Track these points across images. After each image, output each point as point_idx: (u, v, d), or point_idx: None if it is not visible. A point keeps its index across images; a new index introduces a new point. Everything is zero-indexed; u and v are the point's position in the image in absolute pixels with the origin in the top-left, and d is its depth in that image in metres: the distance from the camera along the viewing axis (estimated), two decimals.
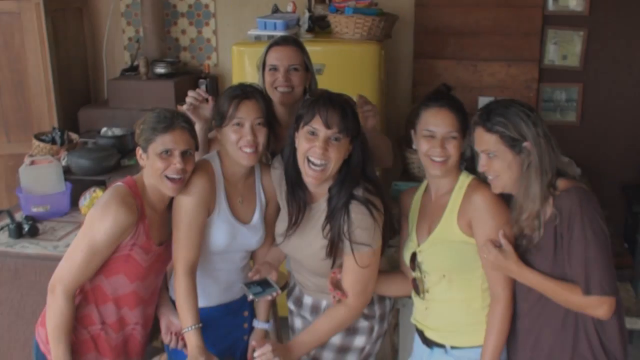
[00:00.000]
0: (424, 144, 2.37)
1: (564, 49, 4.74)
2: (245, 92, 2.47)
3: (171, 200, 2.47)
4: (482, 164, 2.27)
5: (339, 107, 2.32)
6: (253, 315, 2.73)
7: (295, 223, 2.44)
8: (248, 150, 2.44)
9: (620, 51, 4.70)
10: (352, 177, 2.37)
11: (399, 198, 2.66)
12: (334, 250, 2.37)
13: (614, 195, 4.73)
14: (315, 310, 2.59)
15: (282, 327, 3.27)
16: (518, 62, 4.78)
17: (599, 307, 2.12)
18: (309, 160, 2.33)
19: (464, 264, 2.37)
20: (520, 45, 4.75)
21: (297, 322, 2.71)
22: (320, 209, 2.43)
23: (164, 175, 2.34)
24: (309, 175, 2.35)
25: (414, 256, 2.47)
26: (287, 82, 2.82)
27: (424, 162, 2.40)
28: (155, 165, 2.35)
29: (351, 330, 2.54)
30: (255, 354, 2.30)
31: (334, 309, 2.42)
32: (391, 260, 2.75)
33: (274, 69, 2.85)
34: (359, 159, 2.39)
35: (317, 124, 2.31)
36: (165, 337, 2.58)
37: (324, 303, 2.56)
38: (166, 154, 2.34)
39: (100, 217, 2.31)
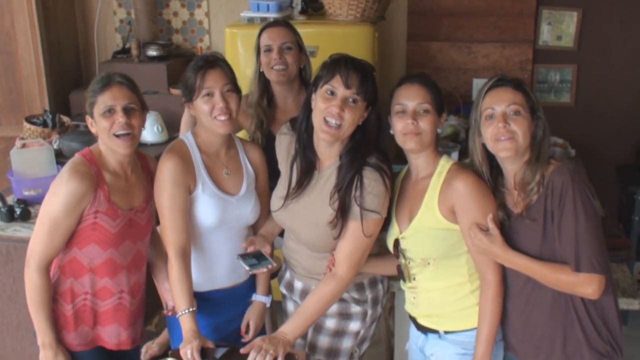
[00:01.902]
0: (397, 121, 2.35)
1: (558, 30, 4.72)
2: (209, 61, 2.47)
3: (142, 163, 2.53)
4: (498, 125, 2.19)
5: (360, 69, 2.33)
6: None
7: (301, 185, 2.43)
8: (222, 117, 2.44)
9: (615, 32, 4.68)
10: (365, 144, 2.37)
11: None
12: (341, 216, 2.35)
13: (609, 176, 4.72)
14: (305, 295, 2.56)
15: (276, 311, 3.27)
16: (512, 44, 4.75)
17: (588, 285, 2.11)
18: (325, 120, 2.31)
19: (448, 250, 2.35)
20: (514, 26, 4.72)
21: (290, 306, 2.71)
22: (325, 175, 2.41)
23: (112, 134, 2.36)
24: (324, 132, 2.33)
25: (396, 242, 2.45)
26: (282, 59, 2.90)
27: (399, 141, 2.37)
28: (101, 126, 2.37)
29: (345, 316, 2.54)
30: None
31: (323, 285, 2.40)
32: (382, 242, 2.74)
33: (268, 49, 2.94)
34: (374, 126, 2.39)
35: (336, 83, 2.30)
36: (170, 301, 2.56)
37: (313, 287, 2.54)
38: (109, 112, 2.36)
39: (55, 188, 2.36)
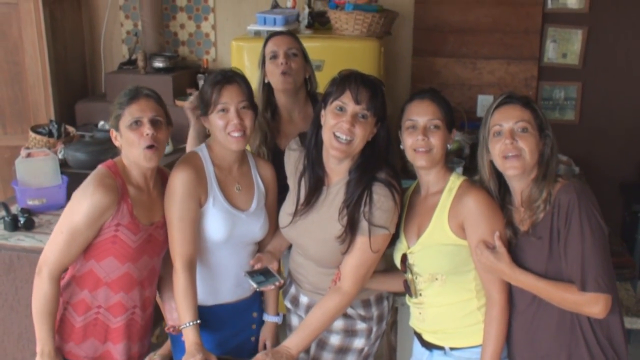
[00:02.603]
0: (408, 137, 2.36)
1: (564, 47, 4.73)
2: (227, 76, 2.47)
3: (162, 179, 2.51)
4: (506, 141, 2.20)
5: (370, 85, 2.33)
6: (262, 315, 2.72)
7: (309, 202, 2.42)
8: (236, 134, 2.44)
9: (620, 50, 4.69)
10: (375, 159, 2.37)
11: None
12: (350, 231, 2.34)
13: (613, 194, 4.73)
14: (310, 309, 2.56)
15: (279, 325, 3.26)
16: (517, 60, 4.77)
17: (594, 304, 2.10)
18: (335, 136, 2.31)
19: (456, 267, 2.35)
20: (519, 43, 4.74)
21: (294, 320, 2.69)
22: (334, 191, 2.41)
23: (141, 147, 2.35)
24: (334, 148, 2.32)
25: (404, 257, 2.44)
26: (288, 65, 2.87)
27: (410, 157, 2.38)
28: (128, 139, 2.36)
29: (350, 333, 2.52)
30: None
31: (328, 299, 2.39)
32: (389, 259, 2.74)
33: (274, 55, 2.91)
34: (384, 142, 2.39)
35: (346, 99, 2.30)
36: (169, 327, 2.55)
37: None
38: (136, 124, 2.36)
39: (79, 198, 2.34)
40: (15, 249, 3.11)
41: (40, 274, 2.35)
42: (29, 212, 3.33)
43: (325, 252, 2.42)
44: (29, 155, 3.59)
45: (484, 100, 4.82)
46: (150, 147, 2.35)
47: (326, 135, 2.34)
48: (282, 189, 2.63)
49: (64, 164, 3.82)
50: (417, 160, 2.35)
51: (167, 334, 2.63)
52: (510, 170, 2.21)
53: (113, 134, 2.42)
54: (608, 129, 4.81)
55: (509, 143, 2.18)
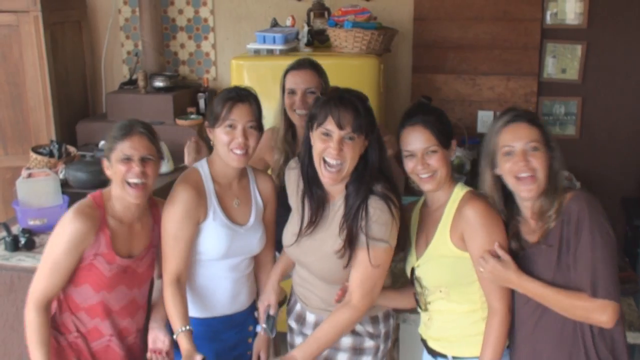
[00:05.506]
0: (408, 164, 2.38)
1: (563, 63, 4.74)
2: (240, 95, 2.49)
3: (152, 209, 2.55)
4: (519, 163, 2.20)
5: (350, 106, 2.30)
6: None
7: (313, 222, 2.42)
8: (238, 152, 2.46)
9: (619, 64, 4.70)
10: (369, 173, 2.36)
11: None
12: (349, 246, 2.33)
13: (614, 209, 4.71)
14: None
15: (280, 344, 3.24)
16: (517, 76, 4.78)
17: (603, 311, 2.09)
18: (325, 161, 2.32)
19: (460, 278, 2.35)
20: (519, 59, 4.76)
21: (298, 340, 2.66)
22: (335, 208, 2.41)
23: (125, 181, 2.38)
24: (325, 177, 2.33)
25: (413, 271, 2.46)
26: (304, 104, 2.91)
27: (415, 181, 2.40)
28: (116, 171, 2.39)
29: (358, 351, 2.51)
30: None
31: (338, 313, 2.37)
32: (394, 276, 2.73)
33: (292, 92, 2.97)
34: (376, 155, 2.38)
35: (330, 125, 2.29)
36: (149, 353, 2.55)
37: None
38: (126, 160, 2.38)
39: (59, 228, 2.39)
40: (16, 269, 3.10)
41: (28, 304, 2.39)
42: (29, 233, 3.33)
43: (327, 268, 2.41)
44: (30, 175, 3.60)
45: (484, 116, 4.83)
46: (137, 183, 2.38)
47: (316, 159, 2.34)
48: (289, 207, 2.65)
49: (65, 184, 3.83)
50: (423, 185, 2.37)
51: None
52: (525, 193, 2.21)
53: (105, 163, 2.46)
54: (609, 144, 4.81)
55: (523, 165, 2.19)
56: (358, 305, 2.34)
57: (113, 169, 2.41)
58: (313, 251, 2.43)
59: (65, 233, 2.36)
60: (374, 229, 2.30)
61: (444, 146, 2.34)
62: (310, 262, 2.47)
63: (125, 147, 2.38)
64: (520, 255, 2.26)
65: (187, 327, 2.38)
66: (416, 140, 2.33)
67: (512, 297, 2.30)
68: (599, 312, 2.10)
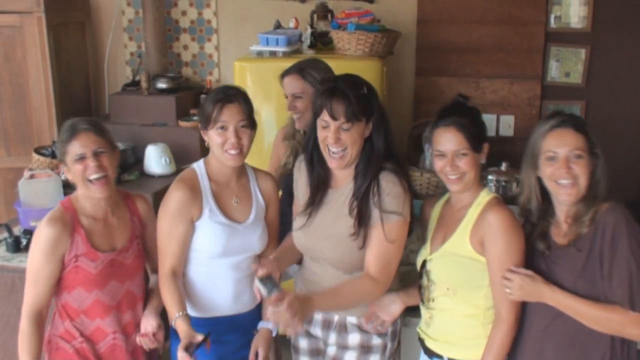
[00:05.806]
0: (437, 163, 2.38)
1: (567, 66, 4.73)
2: (228, 95, 2.51)
3: (126, 203, 2.60)
4: (561, 170, 2.20)
5: (341, 96, 2.33)
6: None
7: (314, 201, 2.46)
8: (233, 152, 2.49)
9: (623, 68, 4.69)
10: (376, 154, 2.39)
11: (420, 207, 2.65)
12: (361, 224, 2.35)
13: None
14: (327, 325, 2.56)
15: (282, 347, 3.23)
16: (520, 80, 4.77)
17: (638, 325, 2.09)
18: (328, 149, 2.38)
19: (469, 280, 2.35)
20: (522, 62, 4.75)
21: (303, 343, 2.67)
22: (346, 191, 2.43)
23: (86, 179, 2.43)
24: (331, 163, 2.39)
25: (424, 263, 2.46)
26: (293, 108, 3.00)
27: (442, 179, 2.40)
28: (75, 172, 2.44)
29: (366, 349, 2.52)
30: (268, 312, 2.24)
31: (359, 279, 2.38)
32: (403, 277, 2.73)
33: (286, 97, 3.06)
34: (381, 137, 2.40)
35: (325, 117, 2.35)
36: (138, 338, 2.55)
37: (335, 317, 2.53)
38: (80, 159, 2.42)
39: (34, 239, 2.47)
40: (17, 271, 3.11)
41: (22, 314, 2.44)
42: (31, 234, 3.31)
43: (341, 252, 2.42)
44: (32, 176, 3.60)
45: (488, 120, 4.80)
46: (98, 178, 2.42)
47: (321, 146, 2.40)
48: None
49: (67, 185, 3.80)
50: (451, 186, 2.39)
51: (169, 346, 2.63)
52: (564, 197, 2.21)
53: (64, 168, 2.49)
54: (612, 148, 4.71)
55: (565, 172, 2.18)
56: (378, 276, 2.35)
57: (71, 171, 2.45)
58: (324, 234, 2.44)
59: (39, 241, 2.41)
60: (387, 201, 2.33)
61: (475, 150, 2.34)
62: (321, 246, 2.47)
63: (75, 147, 2.42)
64: (545, 255, 2.26)
65: (184, 312, 2.41)
66: (447, 142, 2.34)
67: (521, 308, 2.29)
68: (635, 326, 2.09)
